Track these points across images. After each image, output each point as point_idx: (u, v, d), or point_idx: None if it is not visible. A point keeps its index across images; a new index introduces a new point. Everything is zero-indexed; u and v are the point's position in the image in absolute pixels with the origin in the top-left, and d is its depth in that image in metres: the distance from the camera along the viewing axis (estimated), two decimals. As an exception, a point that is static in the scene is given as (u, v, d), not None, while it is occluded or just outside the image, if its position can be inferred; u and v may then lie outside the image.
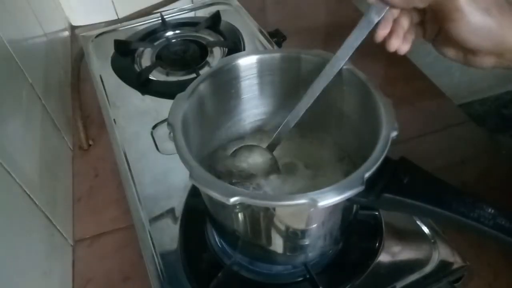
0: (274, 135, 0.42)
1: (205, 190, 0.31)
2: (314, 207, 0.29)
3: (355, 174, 0.30)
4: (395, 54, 0.37)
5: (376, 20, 0.35)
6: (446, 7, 0.32)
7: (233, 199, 0.29)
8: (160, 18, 0.77)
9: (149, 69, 0.67)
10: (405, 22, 0.36)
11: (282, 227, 0.35)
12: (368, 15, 0.35)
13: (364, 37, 0.36)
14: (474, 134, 0.63)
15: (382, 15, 0.35)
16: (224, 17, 0.78)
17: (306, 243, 0.38)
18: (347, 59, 0.38)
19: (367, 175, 0.30)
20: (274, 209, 0.33)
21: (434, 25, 0.37)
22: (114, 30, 0.78)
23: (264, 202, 0.31)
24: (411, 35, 0.37)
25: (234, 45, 0.71)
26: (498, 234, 0.29)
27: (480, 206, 0.30)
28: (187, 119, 0.37)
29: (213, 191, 0.30)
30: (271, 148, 0.43)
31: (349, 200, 0.30)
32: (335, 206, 0.34)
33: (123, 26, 0.79)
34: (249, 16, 0.79)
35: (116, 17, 0.88)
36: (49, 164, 0.52)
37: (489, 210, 0.30)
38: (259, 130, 0.48)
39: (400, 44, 0.36)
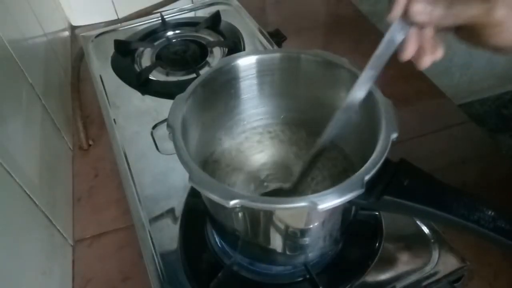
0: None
1: (205, 192, 0.31)
2: (314, 210, 0.29)
3: (355, 176, 0.30)
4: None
5: (400, 39, 0.31)
6: (484, 23, 0.28)
7: (232, 202, 0.29)
8: (160, 18, 0.77)
9: (149, 69, 0.67)
10: (430, 32, 0.31)
11: (282, 228, 0.35)
12: (391, 34, 0.31)
13: (388, 58, 0.32)
14: (474, 134, 0.63)
15: (406, 32, 0.31)
16: (224, 17, 0.78)
17: (306, 243, 0.38)
18: (371, 83, 0.34)
19: (367, 177, 0.30)
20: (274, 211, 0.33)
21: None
22: (114, 30, 0.78)
23: (264, 206, 0.31)
24: (440, 40, 0.32)
25: (234, 45, 0.71)
26: (498, 237, 0.29)
27: (480, 209, 0.30)
28: (187, 120, 0.37)
29: (213, 194, 0.30)
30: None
31: (349, 202, 0.30)
32: (335, 208, 0.34)
33: (123, 26, 0.79)
34: (249, 16, 0.78)
35: (116, 17, 0.88)
36: (49, 164, 0.52)
37: (489, 212, 0.30)
38: (259, 130, 0.48)
39: (432, 58, 0.32)
